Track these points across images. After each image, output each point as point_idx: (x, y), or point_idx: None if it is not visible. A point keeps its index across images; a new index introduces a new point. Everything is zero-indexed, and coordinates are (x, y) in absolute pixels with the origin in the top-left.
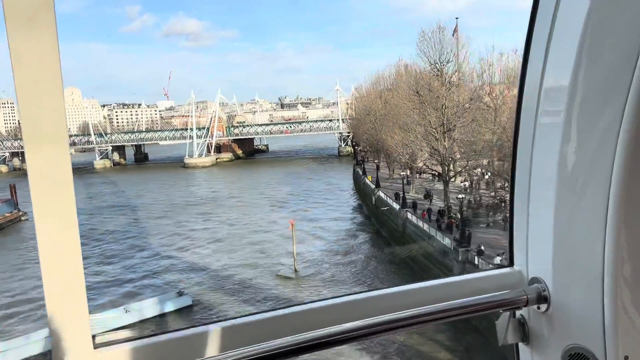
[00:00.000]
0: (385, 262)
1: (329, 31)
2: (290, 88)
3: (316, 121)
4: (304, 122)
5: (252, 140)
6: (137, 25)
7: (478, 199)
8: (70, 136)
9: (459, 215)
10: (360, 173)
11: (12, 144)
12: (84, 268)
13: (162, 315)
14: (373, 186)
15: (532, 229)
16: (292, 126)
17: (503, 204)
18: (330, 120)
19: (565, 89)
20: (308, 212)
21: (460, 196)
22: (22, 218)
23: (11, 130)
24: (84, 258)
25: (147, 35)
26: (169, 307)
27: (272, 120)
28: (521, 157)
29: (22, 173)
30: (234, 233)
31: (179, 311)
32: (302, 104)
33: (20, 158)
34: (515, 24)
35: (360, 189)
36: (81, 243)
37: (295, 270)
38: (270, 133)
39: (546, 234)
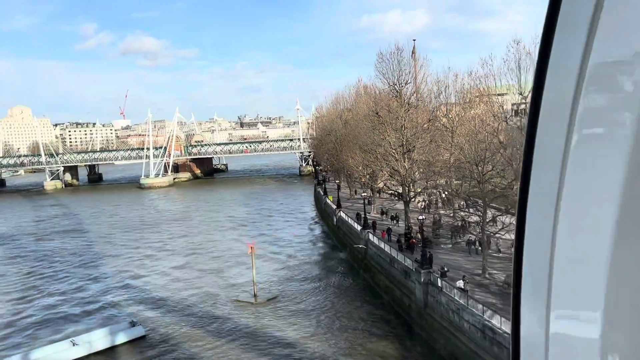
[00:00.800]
0: (348, 285)
1: (289, 51)
2: (250, 107)
3: (277, 140)
4: (264, 141)
5: (210, 159)
6: (93, 43)
7: (438, 219)
8: (19, 156)
9: (419, 236)
10: (322, 193)
11: None
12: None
13: (113, 348)
14: (334, 206)
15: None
16: (252, 145)
17: (462, 225)
18: (291, 140)
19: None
20: (268, 233)
21: (420, 217)
22: None
23: None
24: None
25: (103, 53)
26: (121, 338)
27: (231, 140)
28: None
29: None
30: (189, 256)
31: (132, 342)
32: (262, 122)
33: None
34: (468, 46)
35: (321, 209)
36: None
37: (255, 295)
38: (230, 152)
39: None
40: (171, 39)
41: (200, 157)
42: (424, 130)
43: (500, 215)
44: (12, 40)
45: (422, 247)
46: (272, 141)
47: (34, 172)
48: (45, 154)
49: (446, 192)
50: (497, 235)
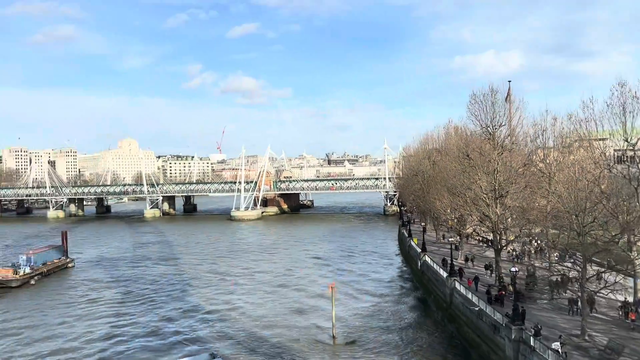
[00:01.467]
0: (431, 334)
1: (379, 90)
2: (338, 145)
3: (362, 179)
4: (349, 179)
5: (297, 195)
6: (197, 82)
7: (532, 271)
8: (124, 185)
9: (511, 288)
10: (406, 235)
11: (70, 191)
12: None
13: None
14: (419, 250)
15: None
16: (338, 183)
17: (561, 280)
18: (377, 179)
19: None
20: (350, 272)
21: (513, 269)
22: (69, 265)
23: (71, 177)
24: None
25: (205, 91)
26: None
27: (318, 176)
28: None
29: (77, 219)
30: (272, 290)
31: None
32: (348, 160)
33: (76, 204)
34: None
35: (405, 251)
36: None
37: (334, 337)
38: (316, 189)
39: None
40: (267, 79)
41: (288, 192)
42: (518, 174)
43: (603, 272)
44: (127, 79)
45: (514, 301)
46: (357, 179)
47: (137, 200)
48: (147, 184)
49: (541, 242)
50: (599, 294)
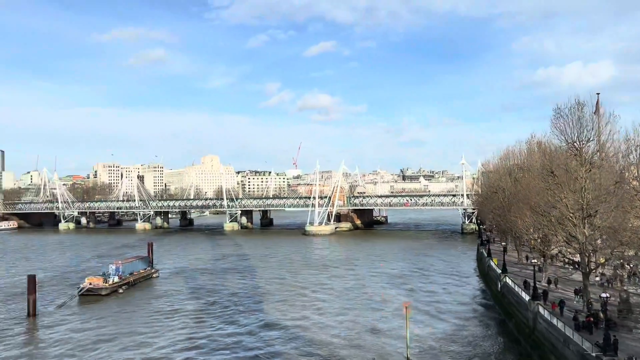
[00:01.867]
0: None
1: (457, 105)
2: (413, 160)
3: (438, 195)
4: (425, 195)
5: (371, 211)
6: (275, 100)
7: (625, 297)
8: (206, 199)
9: (601, 315)
10: (485, 254)
11: (157, 204)
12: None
13: None
14: (499, 271)
15: None
16: (413, 199)
17: None
18: (454, 195)
19: None
20: (426, 291)
21: (604, 295)
22: (154, 275)
23: (158, 191)
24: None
25: (283, 109)
26: None
27: (392, 192)
28: None
29: (162, 231)
30: (346, 306)
31: None
32: (424, 176)
33: (162, 217)
34: None
35: (484, 271)
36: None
37: (408, 358)
38: (390, 205)
39: None
40: (343, 96)
41: (361, 208)
42: (608, 193)
43: None
44: (210, 98)
45: (605, 329)
46: (433, 195)
47: (217, 213)
48: (226, 198)
49: (635, 266)
50: None
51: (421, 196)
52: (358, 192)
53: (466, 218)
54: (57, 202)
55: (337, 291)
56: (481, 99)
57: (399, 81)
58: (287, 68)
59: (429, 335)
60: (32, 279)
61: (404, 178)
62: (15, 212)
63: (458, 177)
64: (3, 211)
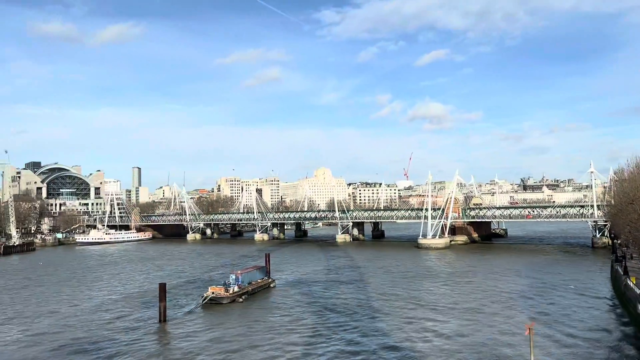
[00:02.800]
0: None
1: (583, 108)
2: (534, 169)
3: (564, 206)
4: (549, 206)
5: (489, 223)
6: (386, 111)
7: None
8: (319, 211)
9: None
10: (621, 272)
11: (273, 216)
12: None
13: None
14: (638, 291)
15: None
16: (535, 210)
17: None
18: (582, 206)
19: None
20: (551, 312)
21: None
22: (271, 285)
23: (274, 204)
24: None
25: (394, 120)
26: None
27: (512, 203)
28: None
29: (278, 242)
30: (464, 324)
31: None
32: (547, 186)
33: (278, 228)
34: None
35: (620, 291)
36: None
37: None
38: (510, 217)
39: None
40: (456, 104)
41: (478, 220)
42: None
43: None
44: (322, 112)
45: None
46: (558, 207)
47: (329, 225)
48: (338, 210)
49: None
50: None
51: (545, 207)
52: (474, 204)
53: (597, 231)
54: (185, 214)
55: (454, 309)
56: (611, 101)
57: (518, 86)
58: (397, 79)
59: (556, 359)
60: (162, 287)
61: (524, 188)
62: (150, 224)
63: (586, 187)
64: (140, 223)
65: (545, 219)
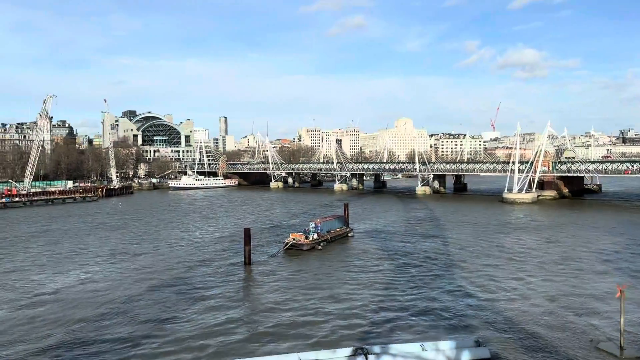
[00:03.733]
0: None
1: None
2: (637, 120)
3: None
4: None
5: (581, 178)
6: (474, 59)
7: None
8: (399, 163)
9: None
10: None
11: (352, 167)
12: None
13: None
14: None
15: None
16: (635, 165)
17: None
18: None
19: None
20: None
21: None
22: (349, 234)
23: (354, 154)
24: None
25: (482, 67)
26: (465, 355)
27: (609, 156)
28: None
29: (357, 192)
30: (547, 281)
31: None
32: None
33: (357, 179)
34: None
35: None
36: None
37: (621, 348)
38: (605, 172)
39: None
40: (551, 50)
41: (569, 175)
42: None
43: None
44: (404, 61)
45: None
46: None
47: (409, 177)
48: (419, 162)
49: None
50: None
51: None
52: (566, 157)
53: None
54: (269, 163)
55: (537, 264)
56: None
57: (622, 28)
58: (487, 24)
59: None
60: (247, 232)
61: (624, 141)
62: (236, 171)
63: None
64: (226, 170)
65: None
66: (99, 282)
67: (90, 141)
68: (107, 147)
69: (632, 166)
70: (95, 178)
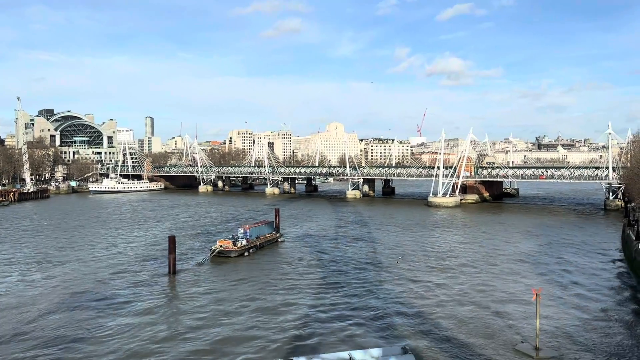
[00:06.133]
0: None
1: (605, 66)
2: (551, 127)
3: (579, 167)
4: (563, 167)
5: (501, 183)
6: (404, 66)
7: None
8: (330, 167)
9: None
10: (633, 237)
11: (284, 170)
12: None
13: None
14: None
15: None
16: (549, 171)
17: None
18: (597, 168)
19: None
20: (559, 275)
21: None
22: (279, 240)
23: (286, 158)
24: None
25: (411, 75)
26: None
27: (526, 162)
28: None
29: (289, 197)
30: (469, 284)
31: None
32: (563, 145)
33: (289, 183)
34: None
35: (630, 257)
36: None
37: (537, 349)
38: (522, 177)
39: None
40: (475, 60)
41: (490, 179)
42: None
43: None
44: (338, 66)
45: None
46: (573, 168)
47: (340, 180)
48: (349, 166)
49: None
50: None
51: (558, 168)
52: (487, 163)
53: (610, 193)
54: (197, 166)
55: (460, 268)
56: (635, 60)
57: (540, 41)
58: (417, 32)
59: (561, 324)
60: (172, 240)
61: (539, 147)
62: (162, 174)
63: (603, 147)
64: (152, 173)
65: (558, 180)
66: (7, 296)
67: (1, 141)
68: (21, 148)
69: (546, 172)
70: (6, 181)
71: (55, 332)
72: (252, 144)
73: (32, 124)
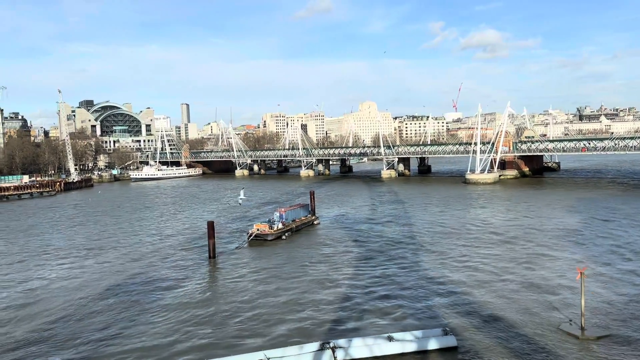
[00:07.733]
0: None
1: None
2: (593, 97)
3: (624, 138)
4: (606, 138)
5: (541, 157)
6: (438, 40)
7: None
8: (364, 147)
9: None
10: None
11: (318, 152)
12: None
13: (424, 352)
14: None
15: None
16: (592, 143)
17: None
18: None
19: None
20: (606, 252)
21: None
22: (315, 222)
23: (319, 139)
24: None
25: (445, 49)
26: (433, 344)
27: (567, 134)
28: None
29: (323, 178)
30: (510, 263)
31: (442, 351)
32: (606, 115)
33: (323, 164)
34: None
35: None
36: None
37: (582, 328)
38: (563, 150)
39: None
40: (512, 30)
41: (529, 154)
42: None
43: None
44: (369, 43)
45: None
46: (617, 138)
47: (375, 160)
48: (383, 146)
49: None
50: None
51: (602, 139)
52: (526, 136)
53: None
54: (233, 150)
55: (500, 246)
56: None
57: (580, 7)
58: (451, 4)
59: (611, 305)
60: (211, 225)
61: (581, 118)
62: (200, 160)
63: None
64: (190, 159)
65: (602, 152)
66: (67, 280)
67: (46, 133)
68: (64, 139)
69: (589, 144)
70: (52, 172)
71: (113, 313)
72: (285, 127)
73: (74, 115)
